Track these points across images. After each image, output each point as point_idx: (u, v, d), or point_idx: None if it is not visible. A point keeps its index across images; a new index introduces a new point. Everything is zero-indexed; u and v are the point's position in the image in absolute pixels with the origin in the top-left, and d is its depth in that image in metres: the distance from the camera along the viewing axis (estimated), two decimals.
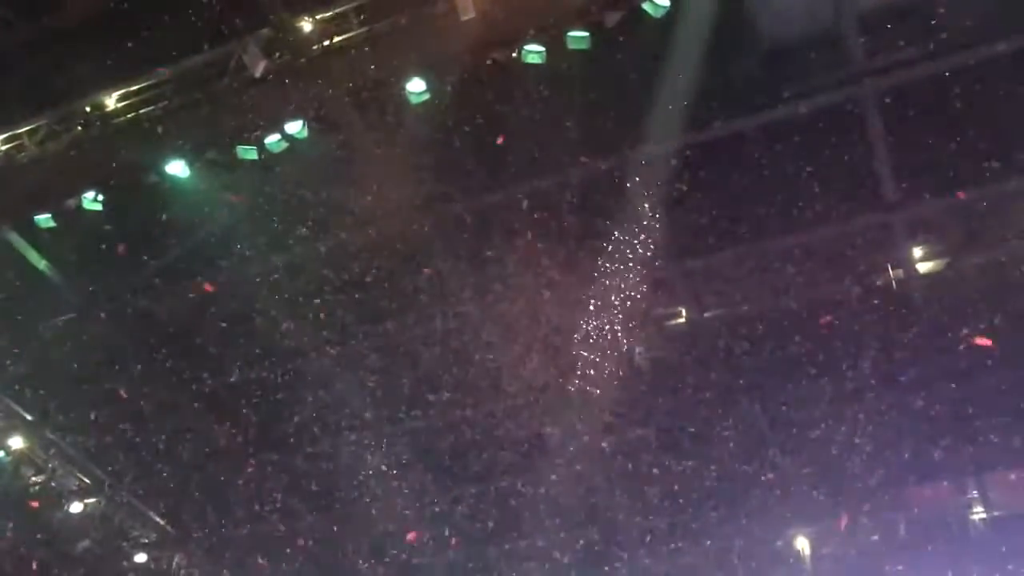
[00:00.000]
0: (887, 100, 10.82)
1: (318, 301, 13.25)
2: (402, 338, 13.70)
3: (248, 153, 11.44)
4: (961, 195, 11.33)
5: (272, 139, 11.32)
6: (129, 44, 11.03)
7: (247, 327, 13.71)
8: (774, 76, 10.96)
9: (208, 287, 13.14)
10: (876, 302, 12.54)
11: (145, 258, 12.98)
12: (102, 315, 13.65)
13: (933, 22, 10.33)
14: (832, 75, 10.77)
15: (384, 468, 15.31)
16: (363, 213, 12.33)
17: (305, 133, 11.25)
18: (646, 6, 10.10)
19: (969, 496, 14.90)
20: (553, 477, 14.91)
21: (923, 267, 12.24)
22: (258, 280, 13.10)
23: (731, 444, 14.46)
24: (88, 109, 11.59)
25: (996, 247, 11.91)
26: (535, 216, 12.17)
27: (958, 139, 10.97)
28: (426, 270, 12.92)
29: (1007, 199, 11.57)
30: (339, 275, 13.06)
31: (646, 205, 12.09)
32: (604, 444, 14.50)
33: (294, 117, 11.18)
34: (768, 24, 10.64)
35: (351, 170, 11.89)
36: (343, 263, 12.93)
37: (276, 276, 13.06)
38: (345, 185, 12.11)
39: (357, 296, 13.28)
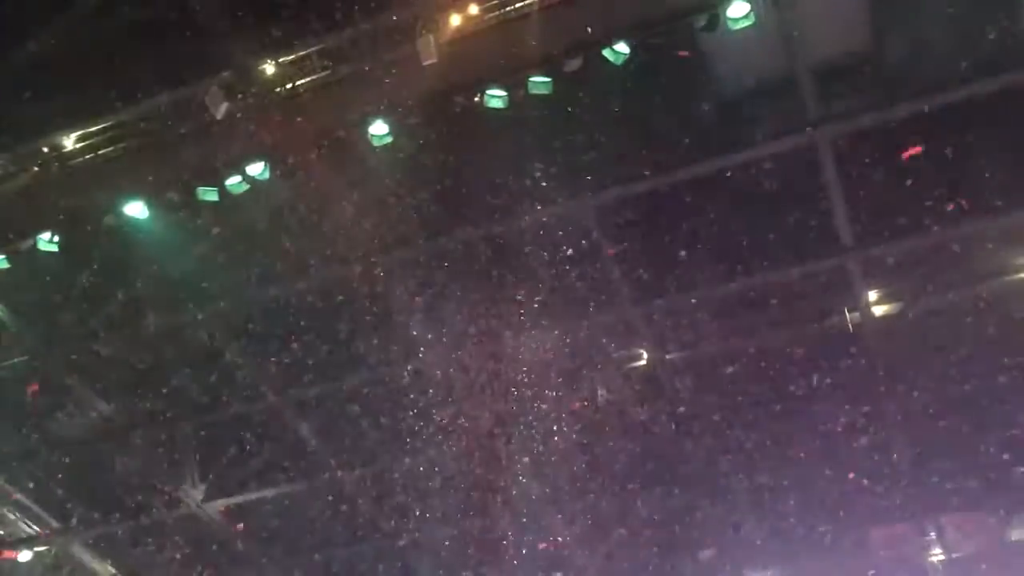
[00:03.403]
0: (841, 146, 11.04)
1: (277, 344, 13.15)
2: (360, 381, 13.60)
3: (208, 195, 11.41)
4: (915, 238, 11.56)
5: (233, 181, 11.31)
6: (88, 84, 10.98)
7: (204, 371, 13.56)
8: (731, 122, 11.17)
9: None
10: (832, 345, 12.71)
11: (100, 300, 12.81)
12: (56, 357, 13.42)
13: (885, 71, 10.60)
14: (787, 121, 10.99)
15: (344, 512, 15.13)
16: (324, 255, 12.30)
17: (267, 175, 11.26)
18: (607, 53, 10.27)
19: (927, 538, 15.02)
20: (514, 521, 14.79)
21: (879, 310, 12.42)
22: (216, 322, 12.97)
23: (691, 486, 14.50)
24: (46, 150, 11.49)
25: (950, 290, 12.12)
26: (497, 259, 12.20)
27: (911, 184, 11.21)
28: (385, 312, 12.87)
29: (960, 243, 11.80)
30: (297, 317, 12.99)
31: (606, 248, 12.19)
32: (566, 486, 14.43)
33: (256, 159, 11.19)
34: (725, 71, 10.85)
35: (312, 212, 11.86)
36: (302, 305, 12.86)
37: (235, 318, 12.95)
38: (306, 227, 12.07)
39: (316, 339, 13.20)
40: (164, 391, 13.82)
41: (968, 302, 12.17)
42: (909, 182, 11.21)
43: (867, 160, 11.17)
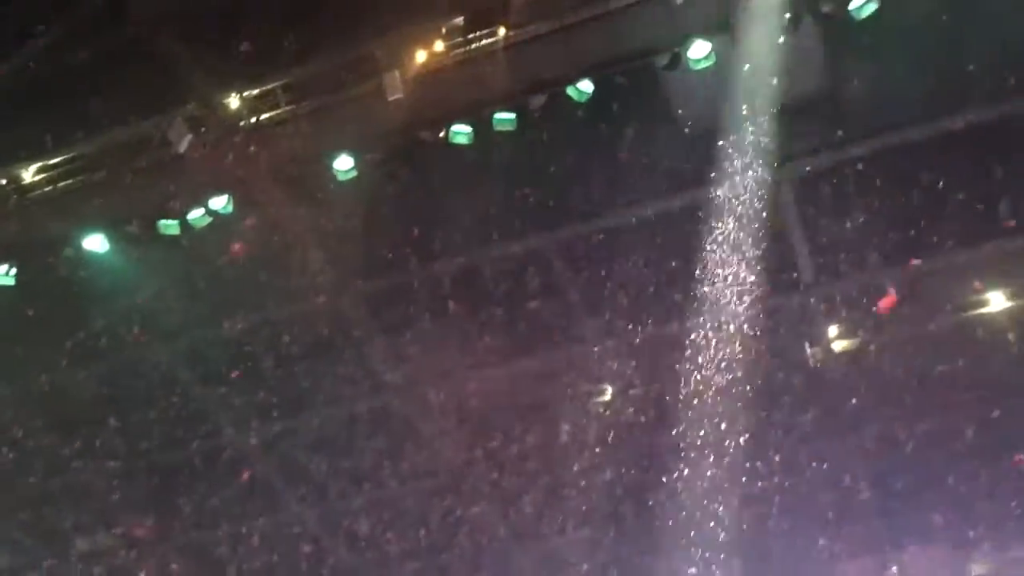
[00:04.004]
0: (801, 184, 11.18)
1: (238, 378, 13.00)
2: (323, 417, 13.48)
3: (170, 228, 11.31)
4: (876, 274, 11.71)
5: (195, 214, 11.22)
6: (49, 116, 10.88)
7: (163, 406, 13.37)
8: (693, 160, 11.28)
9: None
10: (795, 380, 12.80)
11: (57, 334, 12.61)
12: (9, 392, 13.17)
13: (844, 110, 10.78)
14: (749, 158, 11.12)
15: (305, 549, 14.90)
16: (288, 289, 12.22)
17: (230, 208, 11.18)
18: (570, 91, 10.37)
19: (889, 572, 15.07)
20: (477, 557, 14.68)
21: (839, 345, 12.55)
22: (177, 357, 12.82)
23: (656, 521, 14.45)
24: (3, 182, 11.33)
25: (910, 325, 12.28)
26: (461, 294, 12.20)
27: (871, 221, 11.38)
28: (349, 347, 12.80)
29: (919, 279, 11.98)
30: (261, 352, 12.87)
31: (571, 284, 12.23)
32: (530, 523, 14.36)
33: (219, 192, 11.11)
34: (687, 110, 10.97)
35: (275, 246, 11.80)
36: (265, 340, 12.75)
37: (198, 352, 12.81)
38: (269, 261, 11.99)
39: (278, 373, 13.09)
40: (120, 426, 13.57)
41: (926, 337, 12.33)
42: (869, 219, 11.37)
43: (827, 197, 11.32)
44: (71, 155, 11.22)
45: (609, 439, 13.35)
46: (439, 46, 10.26)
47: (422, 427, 13.16)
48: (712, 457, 13.25)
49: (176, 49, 10.20)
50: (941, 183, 11.20)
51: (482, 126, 10.58)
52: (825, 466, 13.59)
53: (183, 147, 10.74)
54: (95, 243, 11.45)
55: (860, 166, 11.10)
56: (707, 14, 9.86)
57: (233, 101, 10.78)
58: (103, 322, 12.52)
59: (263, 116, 10.81)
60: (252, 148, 10.92)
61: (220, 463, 13.95)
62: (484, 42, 10.18)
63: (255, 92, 10.77)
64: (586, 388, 13.07)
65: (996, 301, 12.18)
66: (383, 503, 14.25)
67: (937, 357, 12.44)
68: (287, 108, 10.76)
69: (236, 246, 11.85)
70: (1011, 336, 12.27)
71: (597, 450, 13.39)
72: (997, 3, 9.60)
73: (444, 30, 10.19)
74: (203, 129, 10.80)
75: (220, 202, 11.20)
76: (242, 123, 10.85)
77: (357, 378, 13.05)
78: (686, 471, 13.49)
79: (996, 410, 12.80)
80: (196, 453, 13.87)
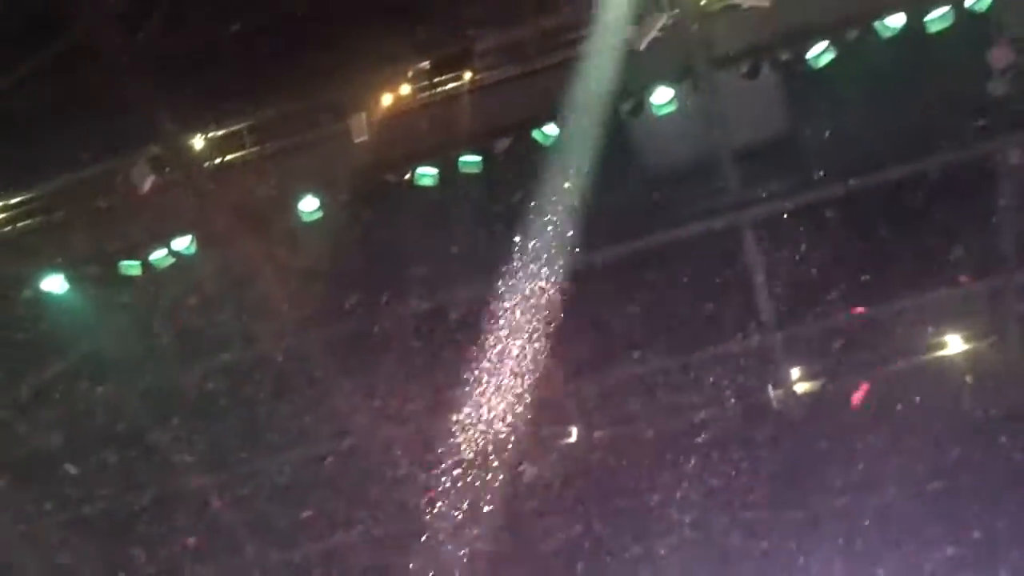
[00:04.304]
0: (762, 227, 11.34)
1: (199, 422, 12.81)
2: (284, 460, 13.30)
3: (131, 269, 11.19)
4: (835, 318, 11.87)
5: (158, 255, 11.12)
6: (9, 156, 10.76)
7: (122, 450, 13.12)
8: (656, 204, 11.42)
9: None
10: (757, 421, 12.88)
11: (13, 375, 12.37)
12: None
13: (804, 155, 10.99)
14: (711, 203, 11.28)
15: None
16: (251, 331, 12.11)
17: (193, 249, 11.10)
18: (536, 134, 10.48)
19: None
20: None
21: (801, 387, 12.66)
22: (136, 400, 12.62)
23: (615, 565, 14.36)
24: None
25: (870, 369, 12.43)
26: (425, 336, 12.16)
27: (831, 265, 11.55)
28: (312, 390, 12.68)
29: (879, 323, 12.16)
30: (222, 394, 12.70)
31: (534, 326, 12.24)
32: (493, 565, 14.20)
33: (182, 233, 11.03)
34: (651, 155, 11.14)
35: (240, 287, 11.71)
36: (227, 382, 12.60)
37: (158, 395, 12.61)
38: (232, 302, 11.90)
39: (238, 417, 12.91)
40: (78, 471, 13.30)
41: (886, 380, 12.49)
42: (829, 263, 11.55)
43: (788, 241, 11.49)
44: (31, 195, 11.10)
45: (574, 482, 13.31)
46: (405, 89, 10.33)
47: (385, 471, 13.03)
48: (681, 499, 13.29)
49: (142, 90, 10.16)
50: (899, 228, 11.42)
51: (448, 168, 10.64)
52: (786, 507, 13.61)
53: (146, 187, 10.66)
54: (54, 284, 11.28)
55: (820, 211, 11.28)
56: (670, 61, 10.04)
57: (197, 142, 10.75)
58: (61, 365, 12.30)
59: (228, 157, 10.78)
60: (216, 189, 10.88)
61: (178, 509, 13.68)
62: (450, 85, 10.28)
63: (220, 133, 10.77)
64: (552, 430, 13.04)
65: (954, 344, 12.40)
66: (345, 548, 14.03)
67: (896, 399, 12.59)
68: (252, 149, 10.73)
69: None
70: (968, 378, 12.48)
71: (563, 493, 13.33)
72: (950, 53, 9.87)
73: (410, 73, 10.28)
74: (167, 169, 10.75)
75: (183, 243, 11.12)
76: (206, 164, 10.81)
77: (319, 422, 12.91)
78: (659, 508, 13.50)
79: (956, 449, 12.94)
80: (153, 499, 13.59)
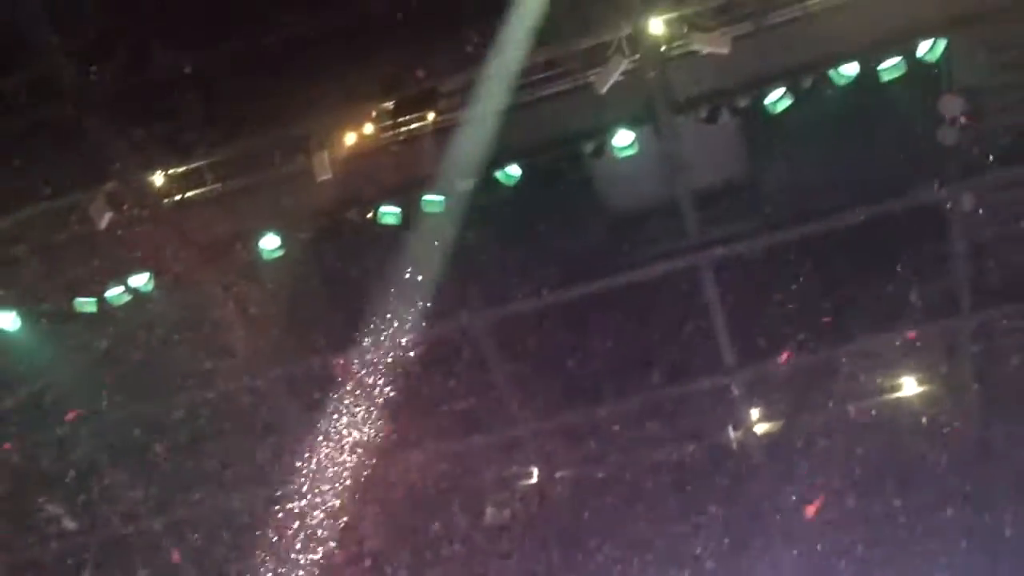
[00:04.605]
0: (722, 269, 11.47)
1: (153, 461, 12.59)
2: (238, 500, 13.10)
3: (87, 306, 11.02)
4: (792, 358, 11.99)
5: (114, 292, 10.98)
6: None
7: (72, 491, 12.83)
8: (617, 244, 11.51)
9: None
10: (718, 462, 12.92)
11: None
12: None
13: (762, 199, 11.17)
14: (670, 245, 11.39)
15: None
16: (207, 370, 11.96)
17: (151, 287, 10.97)
18: (498, 175, 10.54)
19: None
20: None
21: (760, 428, 12.75)
22: (88, 438, 12.37)
23: None
24: None
25: (829, 409, 12.55)
26: (385, 376, 12.08)
27: (789, 307, 11.70)
28: (269, 431, 12.54)
29: (837, 364, 12.30)
30: (176, 434, 12.50)
31: (496, 366, 12.23)
32: None
33: (139, 270, 10.91)
34: (612, 196, 11.25)
35: (197, 325, 11.58)
36: (181, 421, 12.41)
37: (110, 434, 12.39)
38: (189, 341, 11.75)
39: (192, 457, 12.71)
40: (26, 512, 12.98)
41: (845, 420, 12.61)
42: (786, 305, 11.69)
43: (747, 283, 11.62)
44: None
45: (534, 522, 13.23)
46: (369, 128, 10.37)
47: (343, 510, 12.85)
48: (637, 539, 13.25)
49: (101, 125, 10.08)
50: (854, 272, 11.61)
51: (411, 208, 10.66)
52: (742, 547, 13.63)
53: (103, 223, 10.53)
54: (7, 321, 11.08)
55: (777, 254, 11.43)
56: (631, 104, 10.19)
57: (157, 178, 10.68)
58: (10, 402, 12.04)
59: (188, 194, 10.71)
60: (175, 225, 10.79)
61: (130, 548, 13.38)
62: (413, 127, 10.32)
63: (180, 170, 10.70)
64: (513, 471, 12.98)
65: (908, 386, 12.58)
66: None
67: (855, 439, 12.71)
68: (214, 186, 10.68)
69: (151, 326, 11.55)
70: (923, 420, 12.64)
71: (520, 532, 13.25)
72: (902, 101, 10.13)
73: (374, 113, 10.32)
74: (125, 206, 10.64)
75: (140, 280, 11.00)
76: (166, 200, 10.73)
77: (276, 461, 12.73)
78: (619, 548, 13.43)
79: (909, 491, 13.06)
80: (106, 540, 13.28)
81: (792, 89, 10.10)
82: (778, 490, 13.09)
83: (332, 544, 13.03)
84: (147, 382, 12.03)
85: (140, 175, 10.53)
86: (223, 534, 13.34)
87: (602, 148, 10.44)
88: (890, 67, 9.91)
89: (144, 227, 10.75)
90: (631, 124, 10.32)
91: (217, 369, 11.88)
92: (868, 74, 9.94)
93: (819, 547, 13.56)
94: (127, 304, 11.05)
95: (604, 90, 9.79)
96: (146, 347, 11.67)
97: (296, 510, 12.93)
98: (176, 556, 13.42)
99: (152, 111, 9.97)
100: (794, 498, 13.08)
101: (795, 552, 13.70)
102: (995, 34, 9.62)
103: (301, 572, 13.17)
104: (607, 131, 10.33)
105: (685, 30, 9.64)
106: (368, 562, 13.25)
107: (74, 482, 12.82)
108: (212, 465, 12.76)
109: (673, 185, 10.95)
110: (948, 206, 10.89)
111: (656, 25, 9.71)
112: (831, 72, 9.98)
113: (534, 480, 13.12)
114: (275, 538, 13.08)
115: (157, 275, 11.01)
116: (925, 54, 9.84)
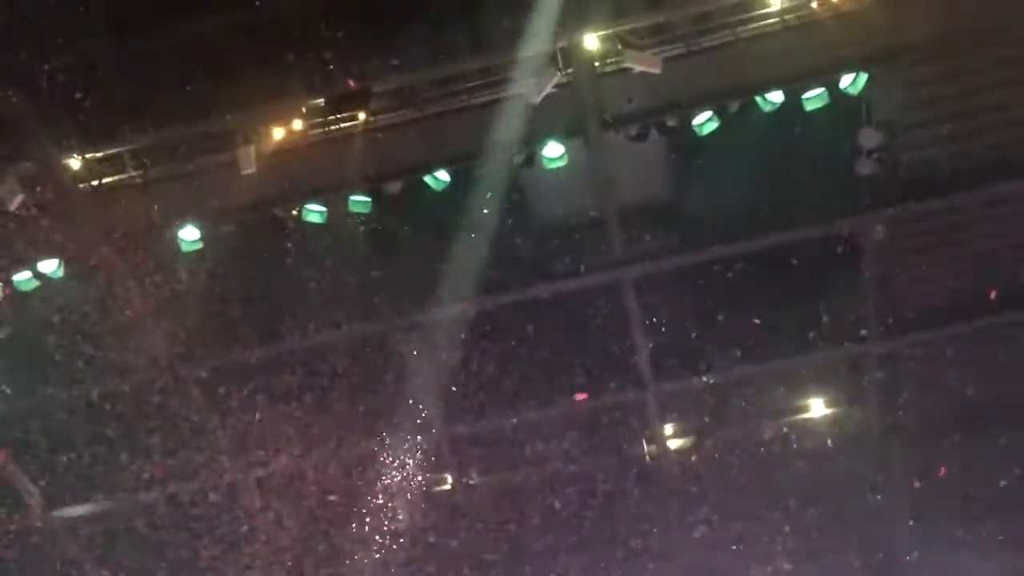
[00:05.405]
0: (643, 285, 11.62)
1: (54, 456, 12.15)
2: (144, 500, 12.73)
3: None
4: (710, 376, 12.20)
5: (22, 277, 10.60)
6: None
7: None
8: (542, 255, 11.58)
9: None
10: (632, 475, 13.05)
11: None
12: None
13: (684, 218, 11.36)
14: (594, 259, 11.50)
15: None
16: (115, 364, 11.60)
17: (60, 273, 10.62)
18: (428, 179, 10.52)
19: None
20: None
21: (674, 443, 12.93)
22: None
23: None
24: None
25: (741, 427, 12.80)
26: (302, 377, 11.90)
27: (707, 326, 11.91)
28: (177, 427, 12.21)
29: (752, 382, 12.56)
30: (79, 427, 12.09)
31: (414, 371, 12.16)
32: None
33: (50, 256, 10.55)
34: (541, 207, 11.33)
35: (107, 315, 11.22)
36: (85, 416, 12.01)
37: (12, 425, 11.91)
38: (96, 333, 11.38)
39: (97, 453, 12.31)
40: None
41: (757, 439, 12.88)
42: (704, 323, 11.90)
43: (666, 300, 11.79)
44: None
45: (447, 530, 13.17)
46: (298, 124, 10.25)
47: (253, 512, 12.60)
48: (552, 548, 13.29)
49: (19, 106, 9.73)
50: (770, 293, 11.88)
51: (337, 207, 10.56)
52: (656, 560, 13.78)
53: (13, 205, 10.18)
54: None
55: (697, 273, 11.63)
56: (563, 117, 10.29)
57: (74, 162, 10.36)
58: None
59: (106, 180, 10.43)
60: (90, 212, 10.47)
61: (29, 546, 12.87)
62: (344, 125, 10.25)
63: (99, 155, 10.40)
64: (428, 476, 12.90)
65: (816, 408, 12.92)
66: None
67: (767, 457, 12.98)
68: (134, 173, 10.43)
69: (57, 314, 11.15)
70: (830, 441, 12.98)
71: (436, 540, 13.17)
72: (824, 130, 10.45)
73: (305, 109, 10.20)
74: (38, 189, 10.29)
75: (50, 266, 10.64)
76: (82, 185, 10.42)
77: (184, 459, 12.41)
78: (534, 558, 13.44)
79: (811, 509, 13.38)
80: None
81: (719, 113, 10.36)
82: (689, 504, 13.25)
83: (240, 549, 12.78)
84: (48, 372, 11.59)
85: (55, 158, 10.20)
86: (127, 535, 12.93)
87: (532, 159, 10.52)
88: (813, 97, 10.26)
89: (56, 212, 10.39)
90: (562, 137, 10.43)
91: (121, 361, 11.51)
92: (792, 102, 10.28)
93: (728, 563, 13.77)
94: (35, 290, 10.65)
95: (537, 101, 9.88)
96: (51, 335, 11.24)
97: (205, 512, 12.65)
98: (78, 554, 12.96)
99: (75, 93, 9.66)
100: (704, 511, 13.27)
101: (705, 565, 13.90)
102: (913, 71, 9.99)
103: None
104: (538, 142, 10.40)
105: (619, 47, 9.80)
106: (277, 566, 13.00)
107: None
108: (113, 462, 12.34)
109: (600, 199, 11.06)
110: (861, 235, 11.24)
111: (591, 40, 9.85)
112: (757, 98, 10.25)
113: (448, 486, 13.07)
114: (182, 539, 12.78)
115: (67, 262, 10.63)
116: (847, 87, 10.21)
